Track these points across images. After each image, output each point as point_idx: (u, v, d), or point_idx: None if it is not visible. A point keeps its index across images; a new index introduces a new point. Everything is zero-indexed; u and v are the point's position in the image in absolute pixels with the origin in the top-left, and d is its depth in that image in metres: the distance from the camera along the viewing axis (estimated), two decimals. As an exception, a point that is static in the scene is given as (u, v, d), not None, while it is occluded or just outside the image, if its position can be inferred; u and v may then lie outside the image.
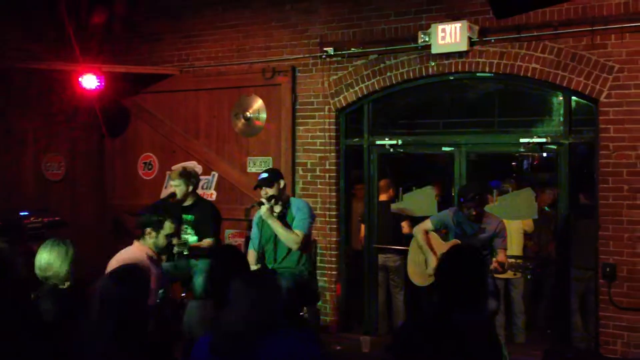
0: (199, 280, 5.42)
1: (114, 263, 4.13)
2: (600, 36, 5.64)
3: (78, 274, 4.14)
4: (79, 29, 7.79)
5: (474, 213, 5.38)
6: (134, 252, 4.26)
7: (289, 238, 4.96)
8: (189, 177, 5.87)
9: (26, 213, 6.88)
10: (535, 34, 5.86)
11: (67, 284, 3.87)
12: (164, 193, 7.78)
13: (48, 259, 3.84)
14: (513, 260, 5.64)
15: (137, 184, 8.18)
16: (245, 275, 3.16)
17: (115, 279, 3.03)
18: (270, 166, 7.17)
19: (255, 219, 5.26)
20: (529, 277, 5.31)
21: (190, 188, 5.84)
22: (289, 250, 5.07)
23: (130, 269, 3.18)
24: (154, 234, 4.25)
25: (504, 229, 5.50)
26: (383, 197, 6.99)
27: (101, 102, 7.85)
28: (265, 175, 5.15)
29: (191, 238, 5.73)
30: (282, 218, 5.10)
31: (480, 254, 3.18)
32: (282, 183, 5.12)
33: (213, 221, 5.81)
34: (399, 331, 3.12)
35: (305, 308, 5.34)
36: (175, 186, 5.78)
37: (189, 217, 5.77)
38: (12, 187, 7.38)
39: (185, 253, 5.41)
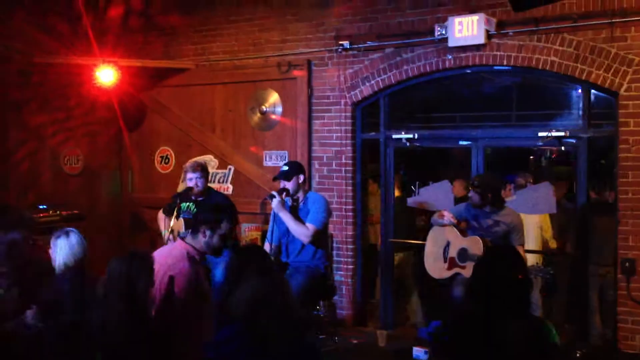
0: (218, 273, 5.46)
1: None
2: (620, 29, 5.56)
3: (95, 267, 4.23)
4: (96, 23, 7.83)
5: (475, 199, 5.34)
6: (172, 249, 4.03)
7: (300, 231, 4.97)
8: (207, 169, 5.91)
9: (44, 206, 6.94)
10: (553, 26, 5.79)
11: None
12: (181, 187, 7.83)
13: None
14: (535, 264, 5.60)
15: (154, 177, 8.24)
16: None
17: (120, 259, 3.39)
18: (286, 160, 7.17)
19: (272, 212, 5.28)
20: (548, 280, 5.27)
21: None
22: (303, 244, 5.07)
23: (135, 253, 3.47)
24: (209, 233, 3.91)
25: (520, 223, 5.45)
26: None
27: (118, 97, 7.90)
28: (285, 168, 5.18)
29: None
30: (297, 211, 5.11)
31: (520, 255, 3.03)
32: (301, 177, 5.13)
33: (212, 210, 5.78)
34: (440, 339, 3.02)
35: (320, 302, 5.37)
36: (197, 179, 5.75)
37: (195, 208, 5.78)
38: (30, 181, 7.46)
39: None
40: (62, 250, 4.11)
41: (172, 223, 5.37)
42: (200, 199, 5.75)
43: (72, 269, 4.09)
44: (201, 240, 3.89)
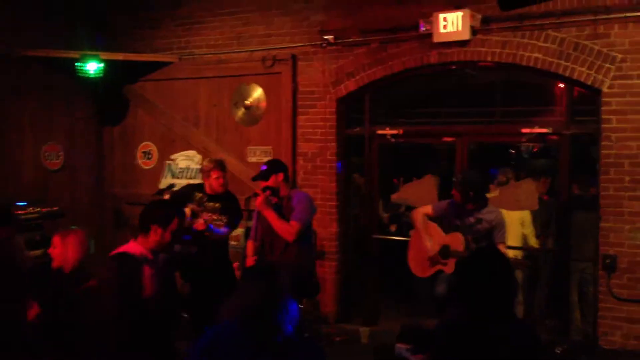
0: None
1: None
2: (604, 26, 5.58)
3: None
4: (78, 15, 7.73)
5: (456, 197, 5.35)
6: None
7: (284, 229, 4.95)
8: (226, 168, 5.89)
9: (24, 203, 6.84)
10: (537, 23, 5.80)
11: None
12: (163, 183, 7.76)
13: None
14: (513, 257, 5.61)
15: (136, 173, 8.15)
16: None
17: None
18: (271, 156, 7.13)
19: (255, 210, 5.25)
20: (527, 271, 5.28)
21: None
22: (287, 242, 5.05)
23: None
24: (160, 230, 3.85)
25: (502, 221, 5.46)
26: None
27: (100, 90, 7.80)
28: (264, 167, 5.14)
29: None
30: (280, 209, 5.08)
31: (507, 258, 3.00)
32: (280, 175, 5.09)
33: (238, 214, 5.78)
34: (434, 343, 3.00)
35: (304, 300, 5.35)
36: (221, 177, 5.69)
37: (216, 204, 5.75)
38: (10, 177, 7.34)
39: (215, 232, 5.39)
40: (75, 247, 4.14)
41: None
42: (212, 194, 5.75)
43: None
44: (151, 239, 3.85)
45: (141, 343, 3.49)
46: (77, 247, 4.26)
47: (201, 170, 6.08)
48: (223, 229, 5.49)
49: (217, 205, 5.71)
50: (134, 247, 3.82)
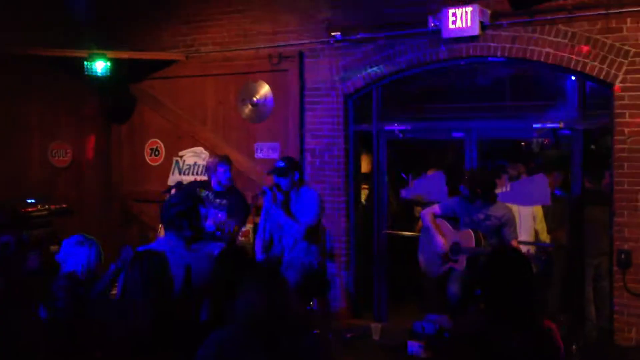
0: None
1: None
2: (616, 20, 5.52)
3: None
4: (85, 14, 7.71)
5: (465, 194, 5.33)
6: None
7: (293, 227, 4.91)
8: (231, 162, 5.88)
9: (33, 201, 6.83)
10: (548, 17, 5.75)
11: None
12: (171, 180, 7.74)
13: None
14: (526, 251, 5.57)
15: (144, 170, 8.13)
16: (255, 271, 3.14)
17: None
18: (278, 152, 7.11)
19: (264, 207, 5.22)
20: (540, 266, 5.23)
21: None
22: (296, 239, 5.02)
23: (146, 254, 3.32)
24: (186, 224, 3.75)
25: (511, 217, 5.42)
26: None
27: (107, 88, 7.78)
28: (281, 164, 5.11)
29: None
30: (289, 207, 5.05)
31: (529, 261, 2.82)
32: (297, 175, 5.07)
33: (244, 211, 5.76)
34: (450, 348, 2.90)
35: (314, 299, 5.33)
36: (227, 170, 5.70)
37: (223, 201, 5.73)
38: (19, 175, 7.34)
39: (225, 232, 5.36)
40: (79, 259, 4.06)
41: None
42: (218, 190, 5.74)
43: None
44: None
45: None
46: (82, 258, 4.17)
47: (206, 167, 6.06)
48: (231, 227, 5.46)
49: (224, 202, 5.70)
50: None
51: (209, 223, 5.32)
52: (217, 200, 5.72)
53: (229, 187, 5.77)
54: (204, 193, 5.76)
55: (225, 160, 5.76)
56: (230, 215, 5.67)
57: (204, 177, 6.91)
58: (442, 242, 5.45)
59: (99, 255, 4.24)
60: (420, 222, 6.85)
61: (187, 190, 5.66)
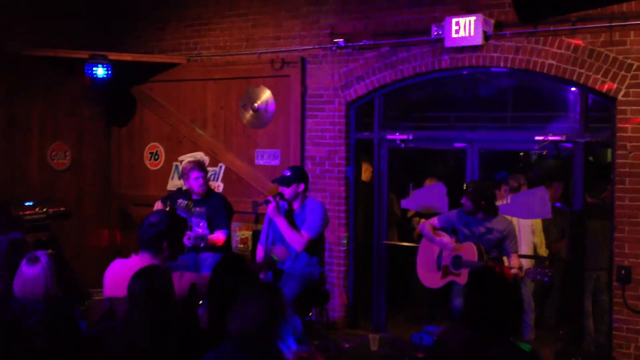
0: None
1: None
2: (619, 33, 5.49)
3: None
4: (86, 16, 7.69)
5: (468, 206, 5.29)
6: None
7: (294, 238, 4.87)
8: (206, 169, 5.85)
9: (31, 203, 6.79)
10: (552, 29, 5.72)
11: None
12: (171, 185, 7.71)
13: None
14: (529, 266, 5.54)
15: (143, 174, 8.11)
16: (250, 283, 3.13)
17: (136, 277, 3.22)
18: (279, 159, 7.08)
19: (267, 216, 5.19)
20: (545, 283, 5.19)
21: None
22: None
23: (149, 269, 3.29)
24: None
25: (513, 230, 5.39)
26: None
27: (108, 91, 7.76)
28: (287, 173, 5.07)
29: (200, 232, 5.64)
30: (292, 217, 5.02)
31: (516, 279, 2.98)
32: (302, 186, 5.03)
33: (226, 214, 5.74)
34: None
35: (312, 309, 5.30)
36: (203, 177, 5.69)
37: (202, 209, 5.70)
38: (17, 177, 7.32)
39: (201, 246, 5.34)
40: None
41: None
42: (197, 198, 5.73)
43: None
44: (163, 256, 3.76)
45: None
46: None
47: (181, 174, 6.03)
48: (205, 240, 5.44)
49: (203, 209, 5.67)
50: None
51: (185, 239, 5.23)
52: (197, 209, 5.69)
53: (206, 193, 5.73)
54: (183, 202, 5.73)
55: (199, 167, 5.73)
56: (211, 222, 5.64)
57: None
58: (448, 240, 5.41)
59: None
60: (416, 230, 6.86)
61: (162, 211, 5.49)
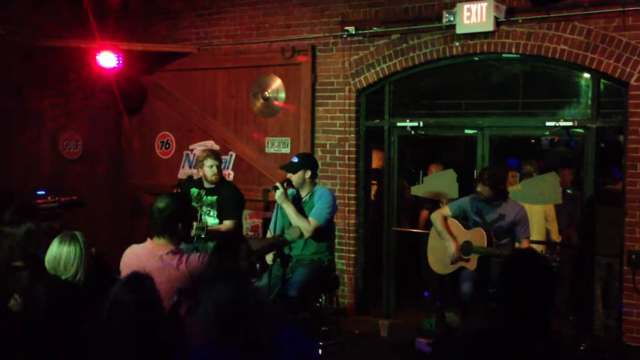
0: None
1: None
2: (632, 17, 5.46)
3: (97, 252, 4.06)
4: (97, 6, 7.70)
5: (486, 193, 5.25)
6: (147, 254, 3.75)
7: (301, 225, 4.85)
8: (220, 157, 5.86)
9: (43, 192, 6.85)
10: (564, 14, 5.69)
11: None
12: (182, 173, 7.75)
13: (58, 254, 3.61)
14: (540, 251, 5.52)
15: (154, 163, 8.15)
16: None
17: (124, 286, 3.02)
18: (289, 147, 7.09)
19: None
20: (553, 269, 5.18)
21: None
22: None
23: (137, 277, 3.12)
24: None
25: (525, 216, 5.37)
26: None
27: (119, 80, 7.79)
28: (294, 160, 5.08)
29: (211, 220, 5.66)
30: (301, 204, 5.02)
31: (551, 265, 2.86)
32: (308, 172, 5.02)
33: (236, 204, 5.75)
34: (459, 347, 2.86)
35: (323, 296, 5.31)
36: (217, 166, 5.69)
37: (213, 198, 5.72)
38: (30, 166, 7.36)
39: (202, 236, 5.35)
40: None
41: None
42: (209, 187, 5.75)
43: None
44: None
45: None
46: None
47: (195, 162, 6.04)
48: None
49: (214, 199, 5.69)
50: None
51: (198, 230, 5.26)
52: (208, 198, 5.71)
53: (219, 182, 5.74)
54: (195, 191, 5.76)
55: (213, 156, 5.73)
56: (221, 212, 5.66)
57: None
58: (453, 248, 5.41)
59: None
60: (423, 214, 6.87)
61: (167, 194, 5.53)
